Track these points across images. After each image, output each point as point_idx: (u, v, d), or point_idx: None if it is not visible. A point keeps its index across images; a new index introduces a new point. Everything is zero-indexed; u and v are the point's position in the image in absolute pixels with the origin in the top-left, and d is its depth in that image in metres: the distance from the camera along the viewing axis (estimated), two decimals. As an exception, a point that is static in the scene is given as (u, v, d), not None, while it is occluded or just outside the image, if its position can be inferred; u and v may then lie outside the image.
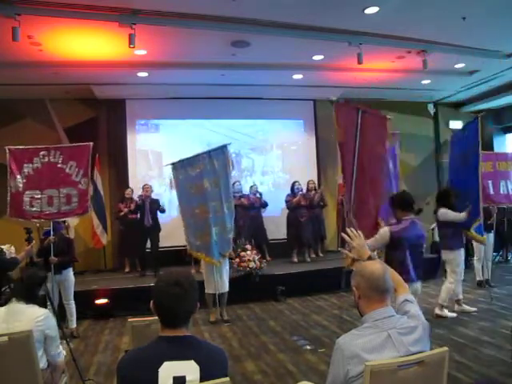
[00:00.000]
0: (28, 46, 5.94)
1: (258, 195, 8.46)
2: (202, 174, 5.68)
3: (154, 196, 7.86)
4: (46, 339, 2.78)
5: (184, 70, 7.32)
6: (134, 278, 7.45)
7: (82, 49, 6.29)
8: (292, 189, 8.37)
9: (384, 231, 3.85)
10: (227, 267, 5.87)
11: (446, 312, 5.41)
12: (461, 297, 5.59)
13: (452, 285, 5.45)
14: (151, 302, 1.64)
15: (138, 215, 7.62)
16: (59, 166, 5.39)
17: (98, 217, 7.94)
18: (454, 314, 5.41)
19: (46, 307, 2.99)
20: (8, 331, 2.57)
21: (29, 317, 2.72)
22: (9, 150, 5.35)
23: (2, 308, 2.81)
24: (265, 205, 8.48)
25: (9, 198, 5.29)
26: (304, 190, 8.44)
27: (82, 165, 5.44)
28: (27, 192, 5.28)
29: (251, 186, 8.63)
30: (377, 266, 1.87)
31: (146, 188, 7.67)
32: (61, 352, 2.88)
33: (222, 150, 5.74)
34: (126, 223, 7.92)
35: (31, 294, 2.87)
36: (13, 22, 4.94)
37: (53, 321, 2.89)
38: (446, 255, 5.52)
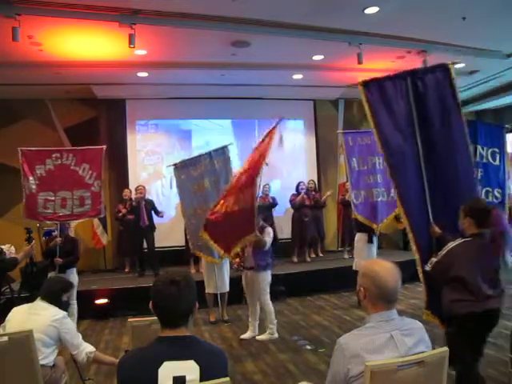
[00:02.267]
0: (28, 46, 5.94)
1: (269, 196, 8.42)
2: (202, 173, 5.71)
3: (154, 196, 7.86)
4: (62, 340, 2.88)
5: (184, 69, 7.32)
6: (133, 278, 7.45)
7: (82, 49, 6.29)
8: (297, 189, 8.41)
9: (270, 230, 4.96)
10: (227, 267, 5.86)
11: None
12: None
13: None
14: (150, 302, 1.64)
15: (133, 216, 7.62)
16: (72, 168, 5.43)
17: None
18: None
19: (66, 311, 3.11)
20: (27, 322, 2.75)
21: (47, 313, 2.87)
22: (21, 151, 5.36)
23: (27, 304, 3.02)
24: (274, 204, 8.47)
25: (24, 200, 5.32)
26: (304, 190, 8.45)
27: (96, 167, 5.49)
28: (41, 194, 5.31)
29: (263, 186, 8.59)
30: (391, 275, 1.78)
31: (140, 189, 7.66)
32: (81, 352, 2.90)
33: (223, 150, 5.77)
34: (125, 224, 7.94)
35: (55, 297, 3.01)
36: (13, 22, 4.94)
37: (69, 322, 2.96)
38: None
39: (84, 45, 6.16)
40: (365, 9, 5.44)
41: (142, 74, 7.53)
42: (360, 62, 6.41)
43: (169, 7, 5.26)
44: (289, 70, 7.77)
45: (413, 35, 6.39)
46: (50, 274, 5.31)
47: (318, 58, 7.23)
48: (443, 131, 3.44)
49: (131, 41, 5.38)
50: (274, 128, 4.88)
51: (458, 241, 2.84)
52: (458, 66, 7.79)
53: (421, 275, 3.32)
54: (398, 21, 5.83)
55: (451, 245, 2.85)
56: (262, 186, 8.53)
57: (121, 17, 5.25)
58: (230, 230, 4.73)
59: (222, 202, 4.87)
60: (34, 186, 5.30)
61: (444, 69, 3.51)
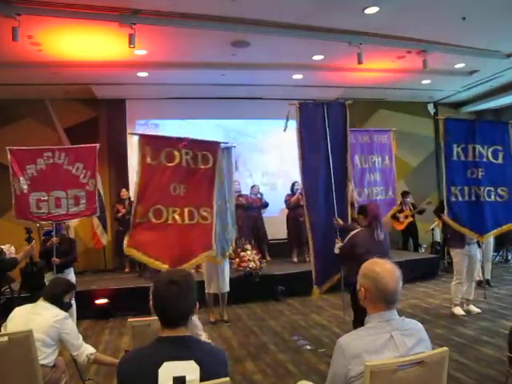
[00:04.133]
0: (28, 46, 5.94)
1: (258, 195, 8.47)
2: None
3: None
4: (63, 341, 2.89)
5: (184, 69, 7.32)
6: (133, 278, 7.44)
7: (81, 49, 6.29)
8: (292, 189, 8.40)
9: None
10: (227, 267, 5.86)
11: (455, 310, 5.47)
12: (470, 298, 5.54)
13: (454, 283, 5.48)
14: (150, 302, 1.64)
15: None
16: (65, 167, 5.36)
17: (97, 217, 7.93)
18: (462, 312, 5.42)
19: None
20: (28, 322, 2.76)
21: (49, 314, 2.88)
22: (10, 150, 5.30)
23: (30, 304, 3.03)
24: (265, 205, 8.50)
25: (14, 201, 5.25)
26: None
27: (90, 166, 5.41)
28: (33, 194, 5.23)
29: (252, 187, 8.62)
30: (392, 277, 1.77)
31: None
32: (82, 353, 2.91)
33: (228, 151, 5.76)
34: (125, 224, 7.92)
35: (57, 298, 3.03)
36: (13, 21, 4.95)
37: (70, 323, 2.98)
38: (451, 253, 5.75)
39: (84, 45, 6.16)
40: (365, 9, 5.44)
41: (142, 74, 7.53)
42: (360, 62, 6.41)
43: (169, 7, 5.26)
44: (289, 70, 7.76)
45: (413, 35, 6.39)
46: (47, 275, 5.30)
47: (317, 57, 7.23)
48: (337, 150, 4.88)
49: (131, 41, 5.38)
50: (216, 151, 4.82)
51: (357, 230, 4.08)
52: (457, 65, 7.83)
53: (313, 259, 4.82)
54: (397, 21, 5.84)
55: (352, 233, 4.07)
56: (251, 187, 8.63)
57: (121, 17, 5.25)
58: (178, 245, 4.48)
59: (139, 208, 4.51)
60: (25, 187, 5.22)
61: (343, 105, 5.01)
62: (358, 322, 3.88)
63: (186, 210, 4.61)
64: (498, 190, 5.40)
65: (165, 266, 4.47)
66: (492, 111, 10.50)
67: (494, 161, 5.41)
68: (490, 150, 5.41)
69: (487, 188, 5.36)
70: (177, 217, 4.57)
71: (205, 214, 4.67)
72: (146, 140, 4.72)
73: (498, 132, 5.47)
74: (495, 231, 5.45)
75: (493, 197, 5.38)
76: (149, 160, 4.65)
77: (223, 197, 5.64)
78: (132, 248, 4.53)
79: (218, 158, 4.87)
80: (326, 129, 4.86)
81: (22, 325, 2.75)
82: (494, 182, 5.39)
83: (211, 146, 4.89)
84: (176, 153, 4.65)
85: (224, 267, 5.71)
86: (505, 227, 5.44)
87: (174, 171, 4.64)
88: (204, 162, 4.77)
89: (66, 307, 3.08)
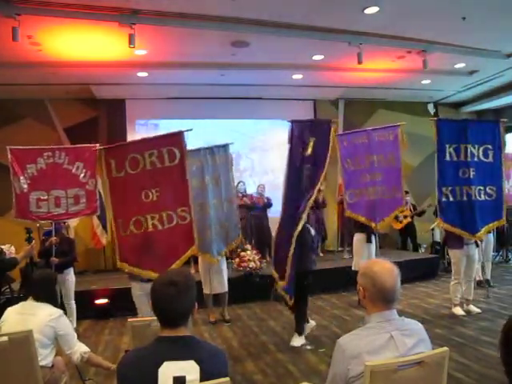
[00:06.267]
0: (28, 46, 5.94)
1: (264, 194, 8.47)
2: (202, 169, 5.51)
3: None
4: (58, 338, 2.87)
5: (184, 70, 7.33)
6: (133, 278, 7.43)
7: (81, 49, 6.30)
8: None
9: None
10: (225, 267, 5.81)
11: (455, 310, 5.47)
12: (469, 298, 5.53)
13: (452, 283, 5.48)
14: (150, 302, 1.65)
15: None
16: (65, 166, 5.35)
17: (97, 217, 7.93)
18: (462, 312, 5.42)
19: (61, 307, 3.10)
20: (23, 322, 2.72)
21: (43, 313, 2.84)
22: (10, 150, 5.30)
23: (19, 304, 2.98)
24: (269, 205, 8.48)
25: (14, 200, 5.25)
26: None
27: (89, 167, 5.40)
28: (33, 193, 5.23)
29: (258, 186, 8.60)
30: (390, 275, 1.77)
31: None
32: (76, 351, 2.89)
33: (224, 148, 5.70)
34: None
35: (48, 293, 2.99)
36: (13, 21, 4.96)
37: (65, 321, 2.96)
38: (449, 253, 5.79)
39: (84, 45, 6.16)
40: (365, 9, 5.44)
41: (142, 74, 7.53)
42: (360, 62, 6.42)
43: (169, 7, 5.26)
44: (289, 70, 7.77)
45: (413, 35, 6.39)
46: None
47: (318, 57, 7.24)
48: (317, 165, 5.02)
49: (131, 41, 5.39)
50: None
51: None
52: (457, 65, 7.83)
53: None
54: (398, 21, 5.84)
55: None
56: (257, 186, 8.63)
57: (121, 17, 5.26)
58: (162, 250, 4.47)
59: (121, 222, 4.49)
60: (25, 186, 5.21)
61: (328, 125, 4.93)
62: (297, 307, 4.71)
63: (164, 214, 4.55)
64: (487, 189, 5.42)
65: (154, 275, 4.47)
66: (492, 111, 10.49)
67: (485, 160, 5.43)
68: (481, 149, 5.42)
69: (478, 187, 5.38)
70: (156, 223, 4.53)
71: (183, 214, 4.58)
72: (111, 153, 4.60)
73: (489, 131, 5.49)
74: (484, 229, 5.44)
75: (482, 196, 5.40)
76: (115, 173, 4.54)
77: (219, 195, 5.59)
78: (123, 262, 4.52)
79: (185, 150, 4.74)
80: (306, 145, 5.02)
81: (16, 326, 2.71)
82: (483, 180, 5.41)
83: (175, 139, 4.78)
84: (139, 157, 4.55)
85: (221, 267, 5.67)
86: (491, 225, 5.46)
87: (140, 178, 4.54)
88: (170, 159, 4.65)
89: (56, 298, 3.07)
